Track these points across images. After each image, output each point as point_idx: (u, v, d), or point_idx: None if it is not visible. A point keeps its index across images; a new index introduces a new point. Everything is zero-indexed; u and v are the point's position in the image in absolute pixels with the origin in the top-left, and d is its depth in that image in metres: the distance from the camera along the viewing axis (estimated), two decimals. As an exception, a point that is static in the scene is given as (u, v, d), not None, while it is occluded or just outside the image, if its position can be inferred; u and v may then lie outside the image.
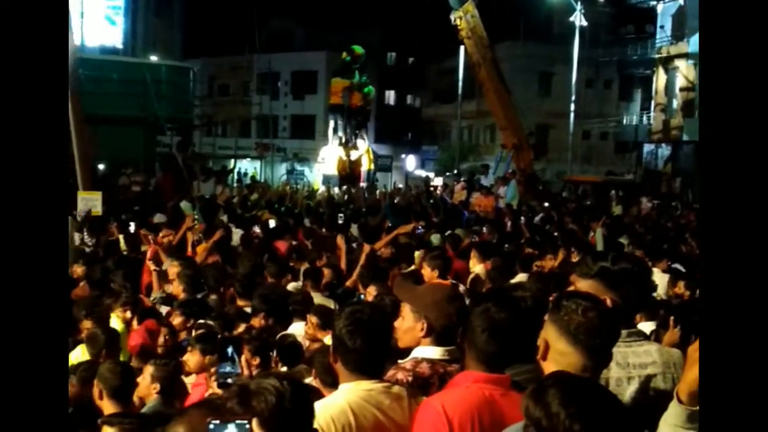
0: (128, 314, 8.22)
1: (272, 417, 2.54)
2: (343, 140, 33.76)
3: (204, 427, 2.35)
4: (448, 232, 15.61)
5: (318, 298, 8.42)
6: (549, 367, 3.11)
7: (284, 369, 5.97)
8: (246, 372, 2.54)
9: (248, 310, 7.96)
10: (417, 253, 12.71)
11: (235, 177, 41.35)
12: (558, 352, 3.06)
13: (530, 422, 2.45)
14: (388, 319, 3.94)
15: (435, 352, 4.07)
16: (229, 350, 2.61)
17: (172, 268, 9.70)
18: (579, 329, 3.00)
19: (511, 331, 3.52)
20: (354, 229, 16.80)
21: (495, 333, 3.50)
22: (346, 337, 3.68)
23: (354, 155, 33.32)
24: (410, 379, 3.94)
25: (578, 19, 44.73)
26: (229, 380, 2.55)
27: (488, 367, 3.47)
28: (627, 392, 3.79)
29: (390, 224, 18.01)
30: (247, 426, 2.32)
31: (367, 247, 11.56)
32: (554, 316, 3.10)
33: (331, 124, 34.93)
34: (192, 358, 6.28)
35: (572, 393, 2.41)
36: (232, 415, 2.40)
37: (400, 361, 4.22)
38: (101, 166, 28.86)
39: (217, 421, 2.32)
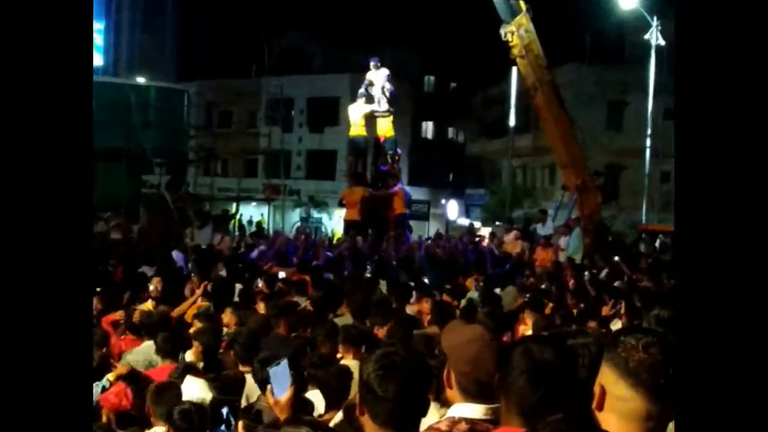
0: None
1: None
2: (368, 178, 33.53)
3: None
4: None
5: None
6: (607, 417, 3.04)
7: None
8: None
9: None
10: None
11: (237, 224, 41.46)
12: (616, 398, 3.00)
13: None
14: (425, 365, 3.88)
15: (475, 411, 3.95)
16: (224, 411, 2.61)
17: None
18: (640, 367, 2.96)
19: (557, 375, 3.43)
20: (382, 286, 16.68)
21: (536, 377, 3.42)
22: (376, 383, 3.61)
23: (381, 196, 33.03)
24: None
25: (654, 37, 43.75)
26: None
27: (528, 420, 3.35)
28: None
29: (428, 280, 17.96)
30: None
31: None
32: (610, 354, 3.05)
33: (350, 159, 34.78)
34: None
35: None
36: None
37: (431, 422, 4.14)
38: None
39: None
